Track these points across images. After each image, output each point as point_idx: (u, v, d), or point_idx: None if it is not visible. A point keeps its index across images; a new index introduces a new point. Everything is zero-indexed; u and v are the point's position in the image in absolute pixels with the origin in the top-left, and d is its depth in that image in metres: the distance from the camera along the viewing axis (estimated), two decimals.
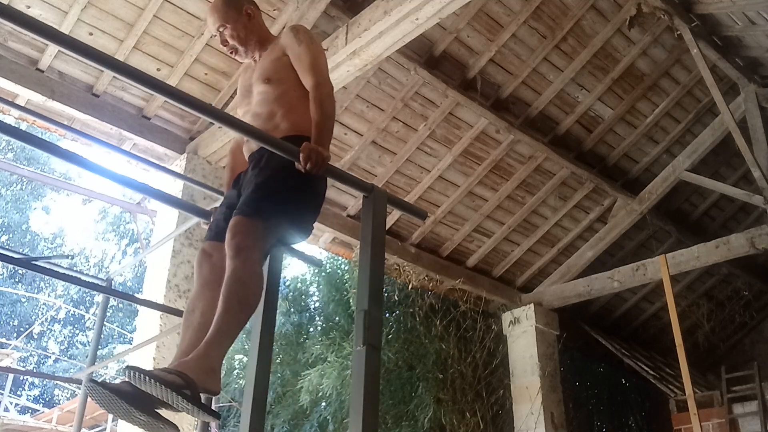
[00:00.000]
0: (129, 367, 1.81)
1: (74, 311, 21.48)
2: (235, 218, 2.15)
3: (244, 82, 2.60)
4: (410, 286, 6.22)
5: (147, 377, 1.77)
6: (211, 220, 2.49)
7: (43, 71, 4.28)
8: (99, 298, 8.65)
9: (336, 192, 5.58)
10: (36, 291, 22.00)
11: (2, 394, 13.57)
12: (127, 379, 1.82)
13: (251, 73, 2.57)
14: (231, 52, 2.59)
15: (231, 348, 2.32)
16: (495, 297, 6.62)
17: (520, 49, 5.28)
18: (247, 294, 2.07)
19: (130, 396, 1.81)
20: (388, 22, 3.73)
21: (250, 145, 2.42)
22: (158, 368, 1.89)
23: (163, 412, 1.92)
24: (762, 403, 6.66)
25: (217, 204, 2.74)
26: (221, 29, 2.54)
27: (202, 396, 2.03)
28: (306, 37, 2.47)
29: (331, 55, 4.03)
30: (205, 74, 4.58)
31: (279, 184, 2.21)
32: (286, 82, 2.43)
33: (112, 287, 3.40)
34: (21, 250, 20.07)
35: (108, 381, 1.94)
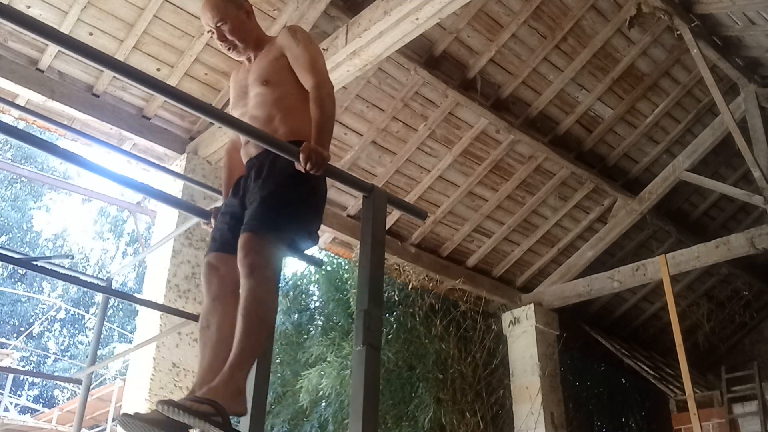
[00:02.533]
0: (162, 402, 1.87)
1: (74, 311, 21.47)
2: (244, 235, 2.13)
3: (239, 82, 2.54)
4: (410, 286, 6.21)
5: (180, 409, 1.82)
6: (213, 228, 2.46)
7: (43, 71, 4.27)
8: (99, 298, 8.65)
9: (336, 192, 5.58)
10: (36, 291, 22.00)
11: (2, 394, 13.58)
12: (159, 410, 1.87)
13: (245, 73, 2.52)
14: (228, 49, 2.51)
15: None
16: (495, 297, 6.62)
17: (520, 49, 5.28)
18: (266, 312, 2.09)
19: (165, 426, 1.87)
20: (388, 22, 3.73)
21: (248, 150, 2.39)
22: (189, 397, 1.93)
23: None
24: (762, 403, 6.66)
25: (218, 204, 2.73)
26: (220, 25, 2.46)
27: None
28: (304, 37, 2.45)
29: (331, 55, 4.03)
30: (205, 74, 4.58)
31: (285, 195, 2.20)
32: (284, 84, 2.40)
33: (112, 287, 3.40)
34: (21, 249, 20.07)
35: (140, 413, 2.01)
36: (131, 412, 1.97)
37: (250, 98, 2.44)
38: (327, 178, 2.31)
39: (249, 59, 2.55)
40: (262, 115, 2.37)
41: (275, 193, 2.20)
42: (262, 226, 2.14)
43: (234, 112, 2.51)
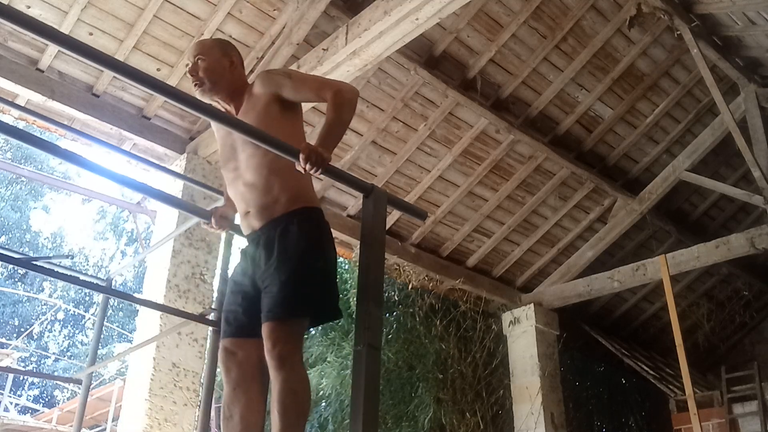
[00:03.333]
0: None
1: (74, 311, 21.48)
2: (269, 325, 2.07)
3: (224, 139, 2.37)
4: (410, 286, 6.21)
5: None
6: (224, 311, 2.34)
7: (43, 71, 4.27)
8: (99, 298, 8.65)
9: (336, 192, 5.58)
10: (36, 291, 22.00)
11: (2, 394, 13.56)
12: None
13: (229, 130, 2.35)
14: (195, 84, 2.39)
15: None
16: (495, 297, 6.62)
17: (520, 49, 5.28)
18: (302, 403, 2.05)
19: None
20: (388, 22, 3.73)
21: (250, 222, 2.27)
22: None
23: None
24: (762, 403, 6.66)
25: (218, 204, 2.73)
26: (198, 58, 2.39)
27: None
28: (287, 71, 2.40)
29: (331, 55, 4.03)
30: None
31: (304, 275, 2.12)
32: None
33: (112, 287, 3.39)
34: (21, 249, 20.07)
35: None
36: None
37: (242, 161, 2.27)
38: (327, 181, 2.28)
39: (228, 109, 2.42)
40: (260, 183, 2.23)
41: (293, 276, 2.11)
42: (286, 313, 2.07)
43: (225, 172, 2.37)
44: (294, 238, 2.15)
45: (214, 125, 2.47)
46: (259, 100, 2.32)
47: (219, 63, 2.40)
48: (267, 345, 2.05)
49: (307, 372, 6.78)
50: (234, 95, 2.41)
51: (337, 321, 7.15)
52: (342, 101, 2.22)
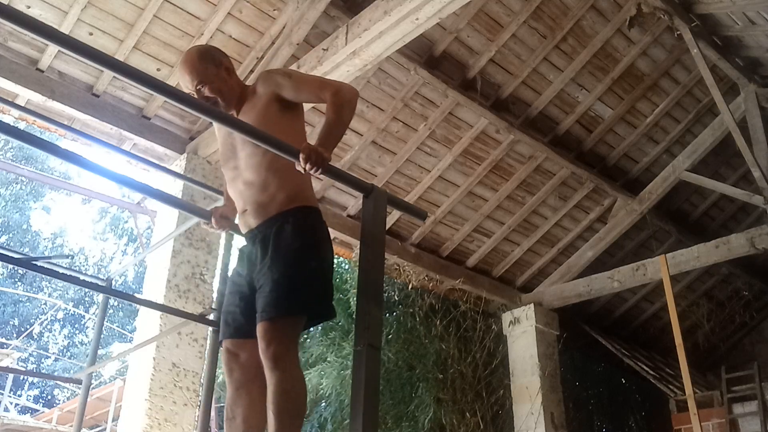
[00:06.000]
0: None
1: (74, 311, 21.47)
2: (263, 324, 2.07)
3: (225, 139, 2.36)
4: (410, 286, 6.21)
5: None
6: (223, 311, 2.34)
7: (43, 71, 4.27)
8: (99, 298, 8.65)
9: (336, 192, 5.58)
10: (36, 291, 21.99)
11: (2, 394, 13.57)
12: None
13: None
14: (211, 104, 2.33)
15: None
16: (495, 297, 6.62)
17: (520, 49, 5.28)
18: (296, 404, 2.04)
19: None
20: (388, 22, 3.73)
21: (247, 220, 2.27)
22: None
23: None
24: (762, 403, 6.66)
25: (218, 204, 2.73)
26: (200, 87, 2.31)
27: None
28: (288, 71, 2.39)
29: (331, 55, 4.03)
30: None
31: (297, 275, 2.12)
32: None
33: (112, 287, 3.40)
34: (21, 249, 20.06)
35: None
36: None
37: (241, 159, 2.28)
38: (327, 181, 2.28)
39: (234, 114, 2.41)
40: (258, 181, 2.23)
41: (286, 275, 2.11)
42: (279, 313, 2.07)
43: (225, 170, 2.37)
44: (288, 237, 2.15)
45: (216, 125, 2.46)
46: (260, 100, 2.32)
47: (219, 78, 2.34)
48: (261, 345, 2.05)
49: (307, 372, 6.75)
50: (239, 99, 2.39)
51: (337, 321, 7.17)
52: (342, 102, 2.22)
